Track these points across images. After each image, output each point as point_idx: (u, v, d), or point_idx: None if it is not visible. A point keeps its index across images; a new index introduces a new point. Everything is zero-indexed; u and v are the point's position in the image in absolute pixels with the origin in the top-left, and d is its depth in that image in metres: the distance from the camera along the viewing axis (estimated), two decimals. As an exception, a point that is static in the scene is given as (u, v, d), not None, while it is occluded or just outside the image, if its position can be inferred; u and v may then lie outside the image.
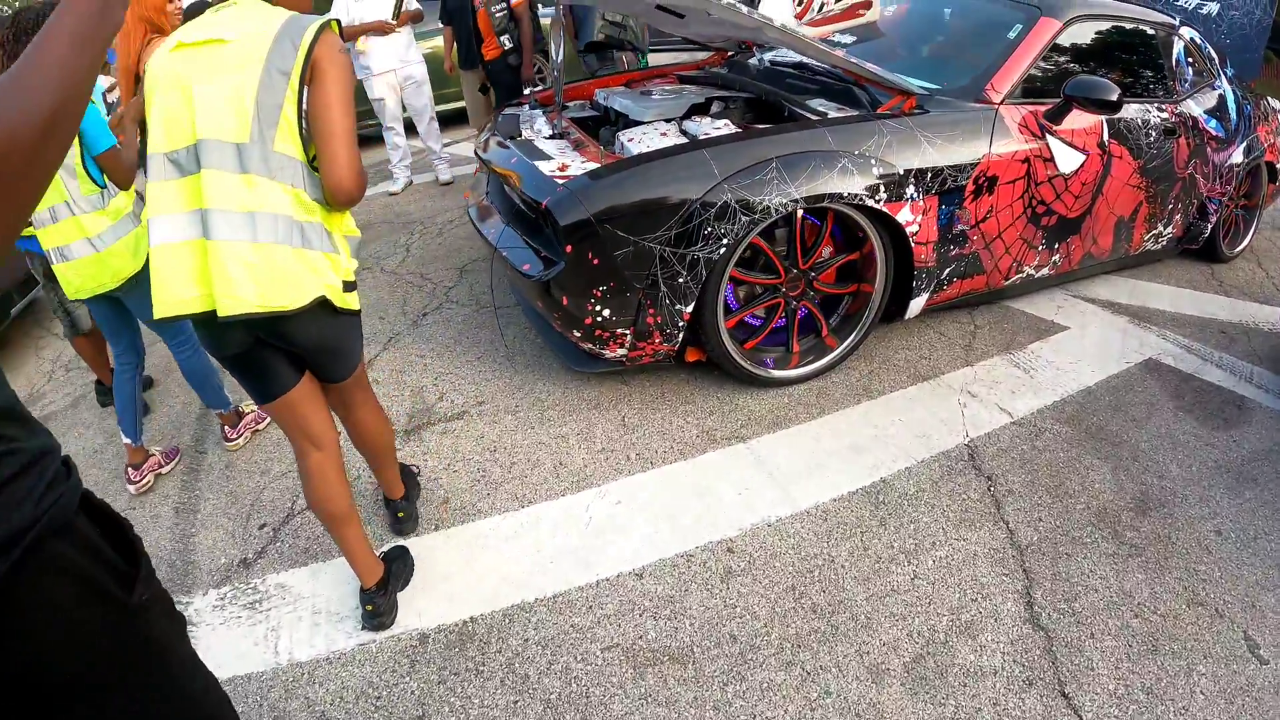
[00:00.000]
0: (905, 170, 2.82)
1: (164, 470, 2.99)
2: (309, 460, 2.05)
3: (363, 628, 2.19)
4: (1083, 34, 3.42)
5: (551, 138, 3.28)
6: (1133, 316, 3.65)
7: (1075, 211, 3.38)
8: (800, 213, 2.79)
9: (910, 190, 2.84)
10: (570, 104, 3.90)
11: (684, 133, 3.06)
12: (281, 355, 1.88)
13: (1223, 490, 2.58)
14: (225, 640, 2.17)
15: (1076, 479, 2.60)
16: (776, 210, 2.63)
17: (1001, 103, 3.10)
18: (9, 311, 4.28)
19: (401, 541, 2.50)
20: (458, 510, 2.64)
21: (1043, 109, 3.18)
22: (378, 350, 3.65)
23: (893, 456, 2.71)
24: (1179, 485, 2.59)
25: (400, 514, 2.52)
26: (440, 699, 1.97)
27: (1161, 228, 3.86)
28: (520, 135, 3.32)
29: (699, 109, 3.41)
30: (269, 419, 2.99)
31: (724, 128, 3.01)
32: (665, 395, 3.09)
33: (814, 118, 3.02)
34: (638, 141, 2.98)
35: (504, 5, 5.32)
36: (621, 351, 2.81)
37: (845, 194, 2.70)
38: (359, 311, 1.92)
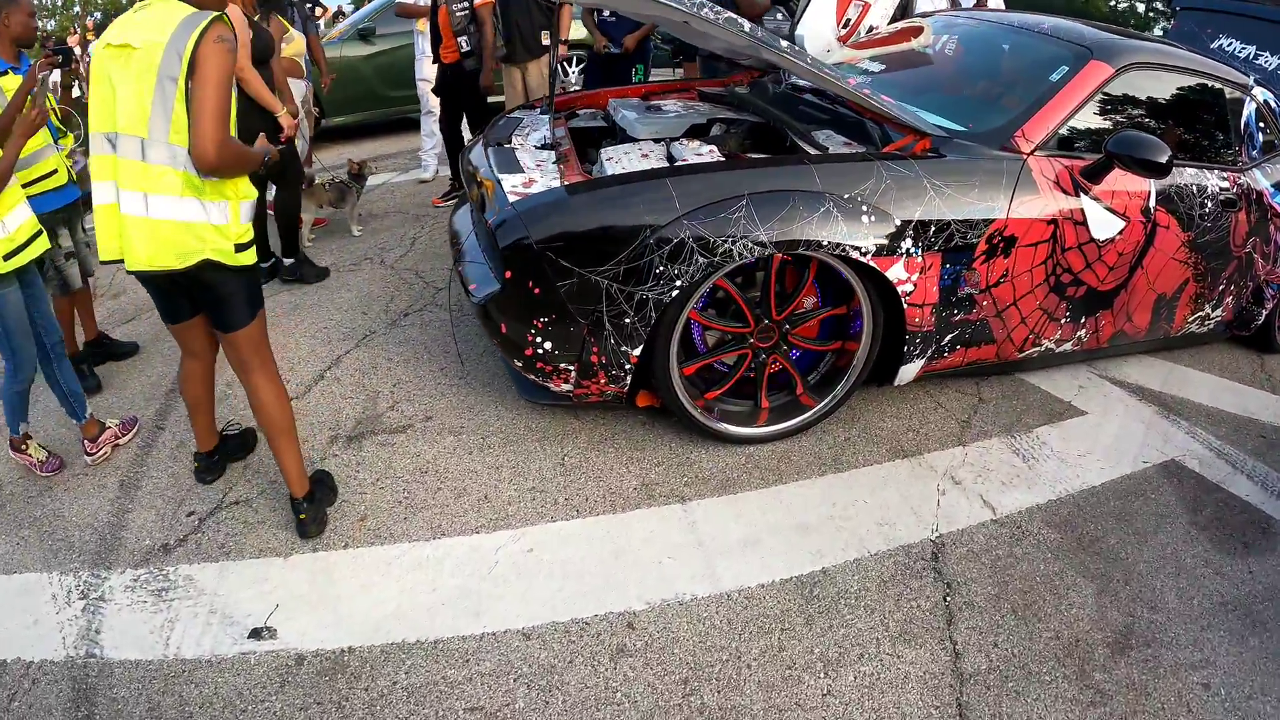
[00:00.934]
0: (903, 221, 2.44)
1: (121, 441, 2.93)
2: (185, 364, 2.51)
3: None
4: (1137, 85, 2.94)
5: (542, 147, 3.00)
6: (1162, 407, 3.14)
7: (1108, 284, 2.91)
8: (778, 258, 2.44)
9: (907, 244, 2.45)
10: (582, 112, 3.63)
11: (669, 156, 2.74)
12: (183, 294, 2.28)
13: (1223, 633, 2.11)
14: (126, 623, 2.15)
15: (1052, 599, 2.17)
16: (740, 254, 2.29)
17: (1032, 153, 2.67)
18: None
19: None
20: (371, 530, 2.45)
21: (1080, 165, 2.73)
22: (349, 347, 3.47)
23: (843, 544, 2.34)
24: (1172, 621, 2.13)
25: (301, 515, 2.43)
26: (299, 725, 1.83)
27: (1209, 309, 3.33)
28: (510, 142, 3.05)
29: (699, 130, 3.07)
30: (129, 435, 3.00)
31: (707, 154, 2.67)
32: (615, 438, 2.79)
33: (813, 151, 2.66)
34: (615, 162, 2.68)
35: (466, 4, 4.86)
36: (566, 387, 2.52)
37: (824, 242, 2.34)
38: (253, 268, 2.22)
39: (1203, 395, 3.26)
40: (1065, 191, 2.69)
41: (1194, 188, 2.99)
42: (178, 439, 2.93)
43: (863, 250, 2.39)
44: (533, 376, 2.52)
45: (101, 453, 2.85)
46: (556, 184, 2.51)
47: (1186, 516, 2.55)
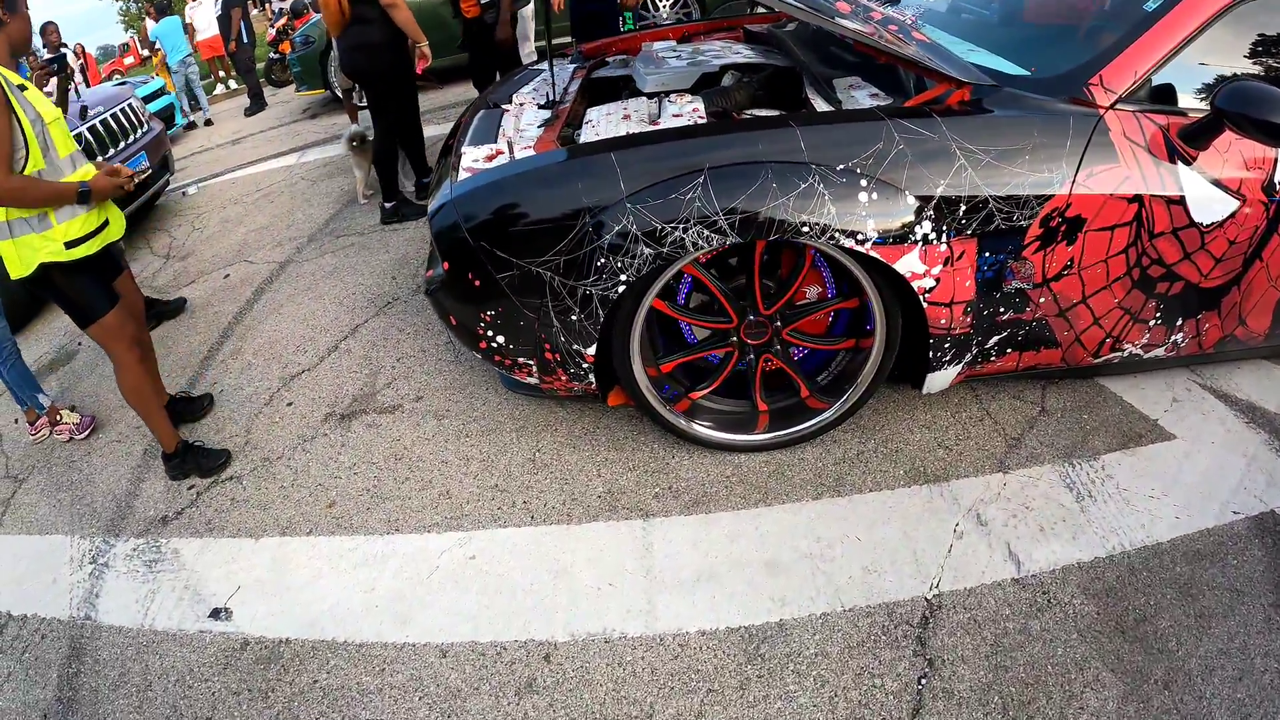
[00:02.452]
0: (920, 198, 1.86)
1: (78, 438, 2.98)
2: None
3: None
4: (1266, 17, 2.09)
5: (544, 106, 2.59)
6: (1276, 435, 2.33)
7: (1215, 279, 2.15)
8: (761, 244, 1.93)
9: (925, 228, 1.87)
10: (613, 59, 3.14)
11: (652, 117, 2.25)
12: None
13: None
14: (118, 589, 2.22)
15: (1058, 700, 1.60)
16: (695, 244, 1.82)
17: (1112, 107, 1.97)
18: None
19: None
20: (336, 519, 2.32)
21: (1179, 123, 1.99)
22: (370, 315, 3.29)
23: (814, 591, 1.87)
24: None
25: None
26: (228, 708, 1.84)
27: None
28: (509, 102, 2.66)
29: (711, 80, 2.54)
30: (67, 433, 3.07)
31: (688, 114, 2.15)
32: (595, 433, 2.42)
33: (821, 106, 2.09)
34: (595, 125, 2.24)
35: None
36: (532, 380, 2.17)
37: (805, 227, 1.81)
38: (82, 261, 2.30)
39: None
40: (1157, 159, 1.97)
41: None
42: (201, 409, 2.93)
43: (860, 237, 1.84)
44: (495, 368, 2.20)
45: (39, 434, 3.00)
46: (530, 154, 2.12)
47: (1272, 596, 1.84)
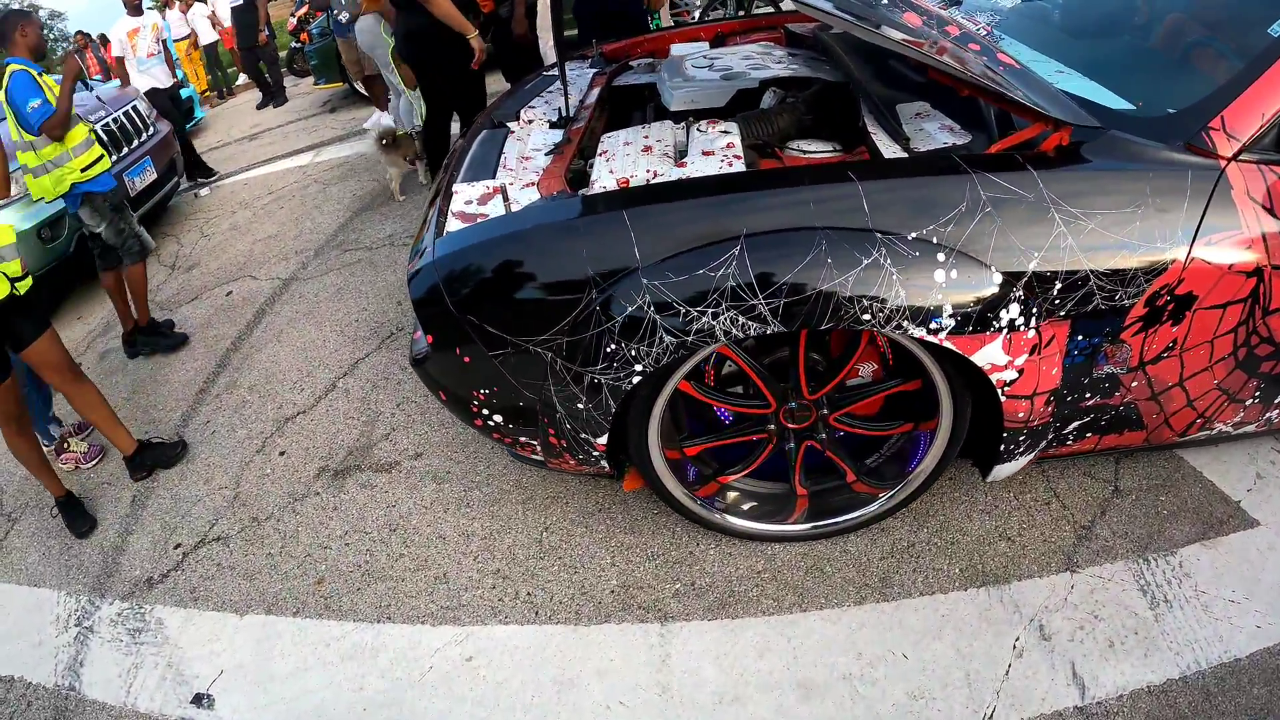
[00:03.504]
0: (1007, 275, 1.40)
1: (84, 467, 2.66)
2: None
3: None
4: None
5: (556, 125, 2.10)
6: None
7: (1335, 360, 1.70)
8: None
9: (1012, 313, 1.42)
10: (638, 63, 2.59)
11: (679, 149, 1.77)
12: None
13: None
14: (102, 659, 1.98)
15: None
16: (726, 334, 1.38)
17: (1235, 157, 1.50)
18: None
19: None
20: (325, 598, 1.95)
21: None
22: (371, 348, 2.86)
23: (853, 726, 1.47)
24: None
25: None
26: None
27: None
28: (517, 119, 2.16)
29: (749, 98, 2.04)
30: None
31: (725, 151, 1.67)
32: (609, 511, 2.01)
33: (884, 148, 1.62)
34: (610, 158, 1.76)
35: None
36: (537, 459, 1.75)
37: (863, 314, 1.37)
38: (24, 294, 2.17)
39: None
40: (1284, 221, 1.51)
41: None
42: (190, 453, 2.57)
43: (935, 326, 1.39)
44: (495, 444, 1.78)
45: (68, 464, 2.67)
46: (528, 198, 1.66)
47: None
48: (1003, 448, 1.62)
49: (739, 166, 1.61)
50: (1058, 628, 1.64)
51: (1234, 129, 1.52)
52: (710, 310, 1.38)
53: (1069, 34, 2.02)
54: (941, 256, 1.37)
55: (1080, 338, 1.51)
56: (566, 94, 2.07)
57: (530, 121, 2.13)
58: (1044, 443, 1.68)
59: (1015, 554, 1.79)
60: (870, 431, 1.73)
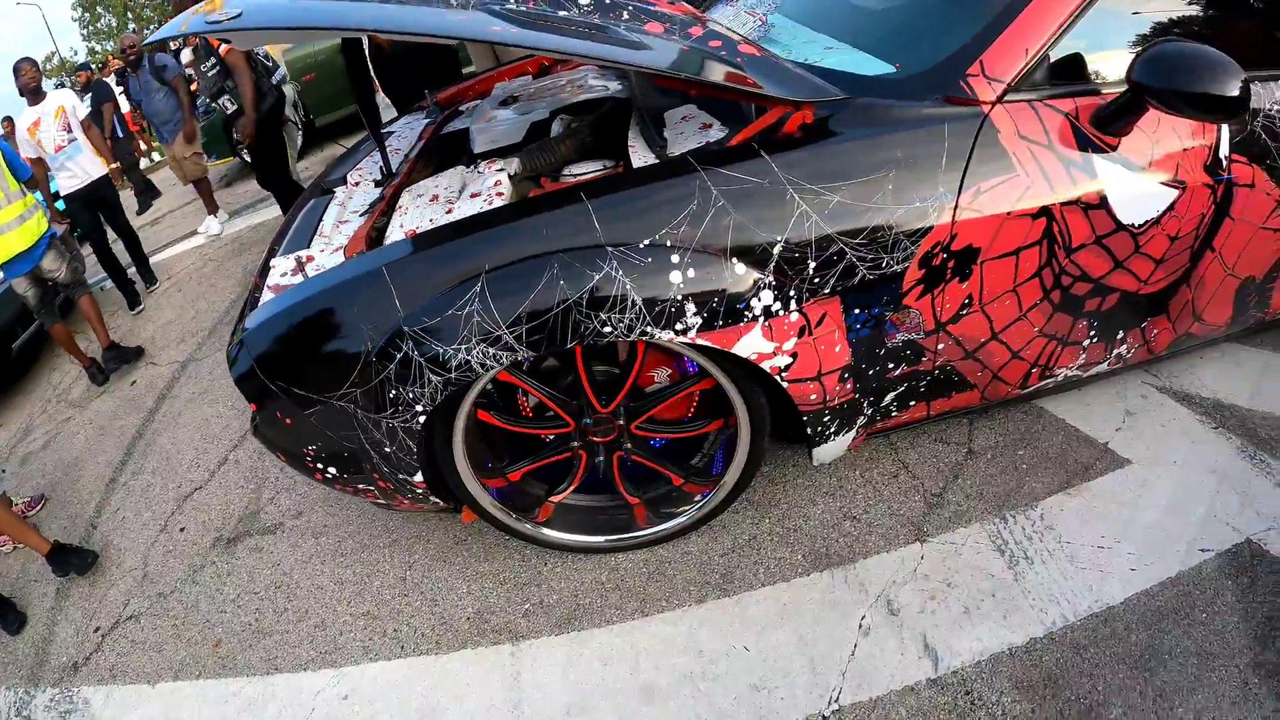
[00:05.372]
0: (750, 263, 1.42)
1: (29, 515, 2.85)
2: None
3: None
4: None
5: (380, 183, 2.15)
6: (1248, 437, 1.83)
7: (1158, 283, 1.67)
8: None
9: (764, 299, 1.44)
10: (468, 106, 2.59)
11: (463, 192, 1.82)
12: None
13: None
14: None
15: None
16: (482, 365, 1.42)
17: (1000, 99, 1.49)
18: (11, 346, 4.17)
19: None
20: (222, 659, 2.06)
21: (1091, 105, 1.50)
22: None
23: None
24: None
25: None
26: None
27: None
28: (345, 184, 2.21)
29: (540, 129, 2.06)
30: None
31: (491, 191, 1.71)
32: (466, 542, 2.06)
33: (637, 156, 1.64)
34: (405, 213, 1.79)
35: (213, 62, 3.87)
36: (382, 503, 1.83)
37: (603, 327, 1.40)
38: None
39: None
40: (1066, 157, 1.49)
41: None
42: (104, 537, 2.69)
43: (680, 326, 1.41)
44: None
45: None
46: (334, 263, 1.72)
47: (1248, 654, 1.41)
48: (809, 431, 1.63)
49: (503, 201, 1.66)
50: (906, 601, 1.65)
51: (995, 72, 1.51)
52: (464, 346, 1.42)
53: (842, 7, 2.01)
54: (676, 258, 1.39)
55: (858, 311, 1.51)
56: (384, 150, 2.13)
57: (357, 184, 2.16)
58: (861, 419, 1.68)
59: (861, 532, 1.79)
60: (678, 434, 1.75)
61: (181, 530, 2.52)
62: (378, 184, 2.14)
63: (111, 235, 4.97)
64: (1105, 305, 1.70)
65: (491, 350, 1.41)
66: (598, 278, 1.37)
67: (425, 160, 2.18)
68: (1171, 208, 1.60)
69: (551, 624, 1.78)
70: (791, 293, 1.45)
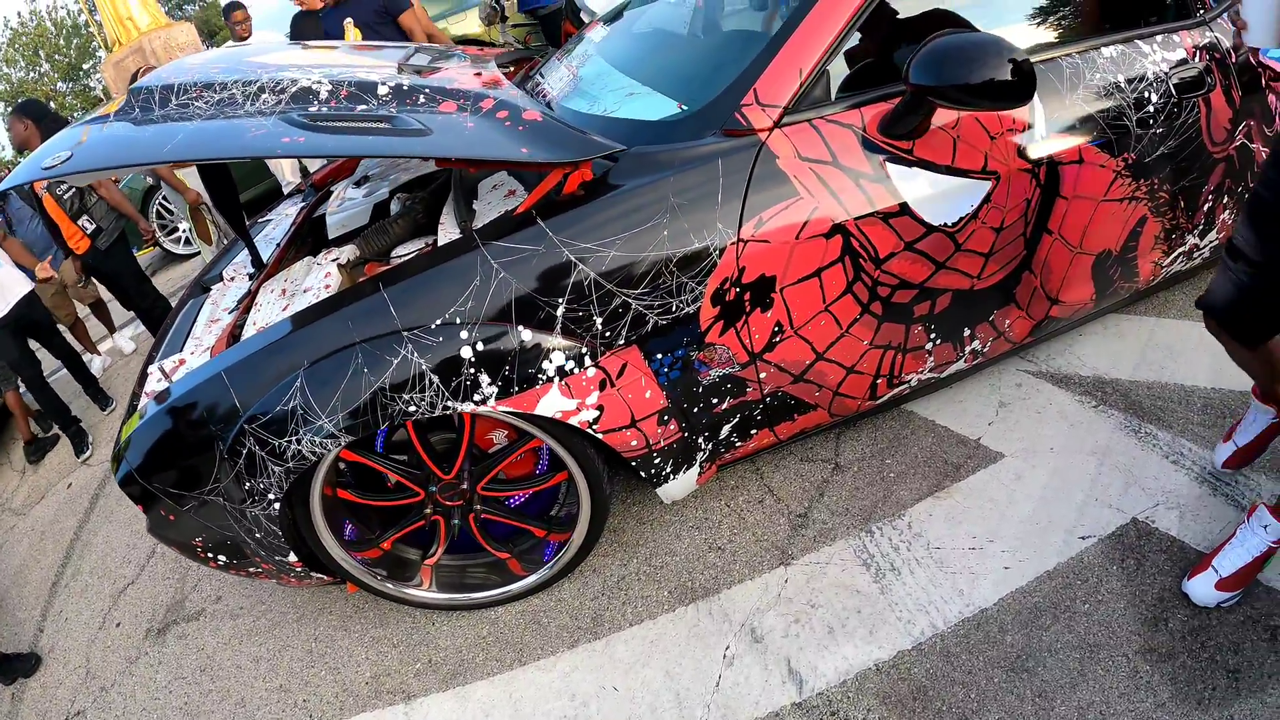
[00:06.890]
0: (534, 328, 1.52)
1: None
2: None
3: None
4: None
5: (253, 277, 2.26)
6: (1131, 412, 1.87)
7: (991, 277, 1.73)
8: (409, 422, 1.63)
9: (556, 360, 1.53)
10: (336, 187, 2.63)
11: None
12: None
13: None
14: None
15: None
16: (313, 454, 1.55)
17: (778, 125, 1.56)
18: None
19: None
20: None
21: (878, 113, 1.57)
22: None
23: (559, 774, 1.60)
24: None
25: None
26: None
27: (1196, 238, 1.92)
28: (222, 281, 2.33)
29: (382, 209, 2.17)
30: None
31: (322, 283, 1.83)
32: (364, 610, 2.18)
33: (450, 233, 1.75)
34: (260, 310, 1.92)
35: (65, 184, 3.89)
36: (275, 582, 1.97)
37: (408, 407, 1.51)
38: None
39: (1200, 374, 1.91)
40: (854, 171, 1.56)
41: (1117, 82, 1.63)
42: (50, 639, 2.83)
43: (479, 397, 1.52)
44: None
45: None
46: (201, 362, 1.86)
47: (1138, 640, 1.45)
48: (643, 475, 1.71)
49: (329, 294, 1.77)
50: (771, 626, 1.72)
51: (769, 98, 1.59)
52: (294, 436, 1.55)
53: (645, 48, 2.09)
54: (465, 334, 1.49)
55: (660, 356, 1.60)
56: (251, 244, 2.26)
57: (232, 279, 2.28)
58: (700, 454, 1.76)
59: (725, 563, 1.87)
60: (527, 489, 1.85)
61: (117, 625, 2.69)
62: (251, 277, 2.27)
63: (49, 365, 4.25)
64: (939, 307, 1.76)
65: (318, 440, 1.53)
66: (396, 362, 1.49)
67: (296, 247, 2.31)
68: (988, 200, 1.65)
69: (439, 681, 1.89)
70: (584, 350, 1.54)
